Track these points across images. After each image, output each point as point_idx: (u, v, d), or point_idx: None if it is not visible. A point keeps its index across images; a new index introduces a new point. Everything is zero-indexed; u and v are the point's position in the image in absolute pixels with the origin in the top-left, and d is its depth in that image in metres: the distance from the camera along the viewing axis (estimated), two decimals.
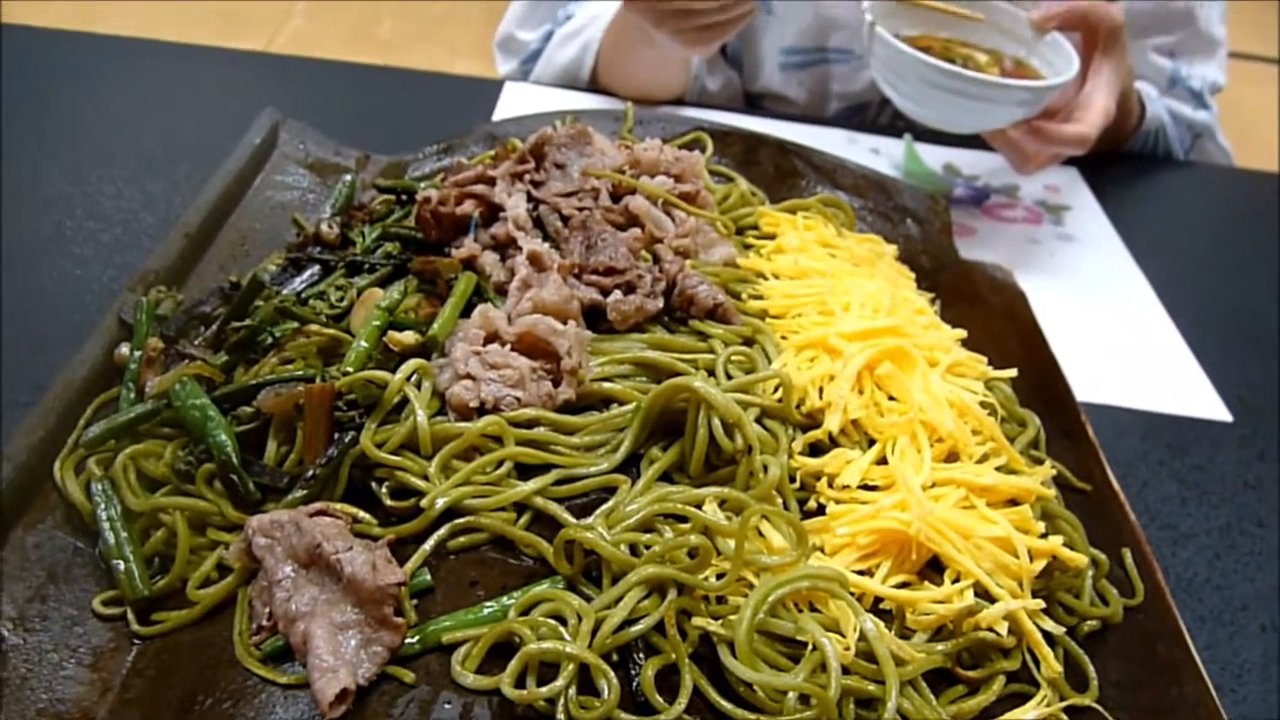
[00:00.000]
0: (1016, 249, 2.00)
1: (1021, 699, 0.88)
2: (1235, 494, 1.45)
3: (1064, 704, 0.88)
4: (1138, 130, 2.34)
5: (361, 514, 0.93)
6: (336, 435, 0.96)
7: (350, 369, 1.02)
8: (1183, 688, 0.97)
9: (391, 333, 1.05)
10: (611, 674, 0.76)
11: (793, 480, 0.99)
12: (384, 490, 0.94)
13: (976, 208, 2.13)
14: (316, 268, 1.23)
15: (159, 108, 1.83)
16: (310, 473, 0.94)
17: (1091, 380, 1.58)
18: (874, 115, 2.19)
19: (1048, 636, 0.92)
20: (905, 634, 0.88)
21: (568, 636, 0.79)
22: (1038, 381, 1.35)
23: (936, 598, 0.88)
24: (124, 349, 1.10)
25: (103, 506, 0.95)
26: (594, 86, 1.91)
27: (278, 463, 0.99)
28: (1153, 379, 1.66)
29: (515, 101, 1.88)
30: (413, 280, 1.18)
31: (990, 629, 0.88)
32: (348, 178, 1.48)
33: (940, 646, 0.86)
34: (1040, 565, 0.92)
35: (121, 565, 0.91)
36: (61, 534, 0.94)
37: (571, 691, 0.77)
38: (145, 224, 1.50)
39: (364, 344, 1.05)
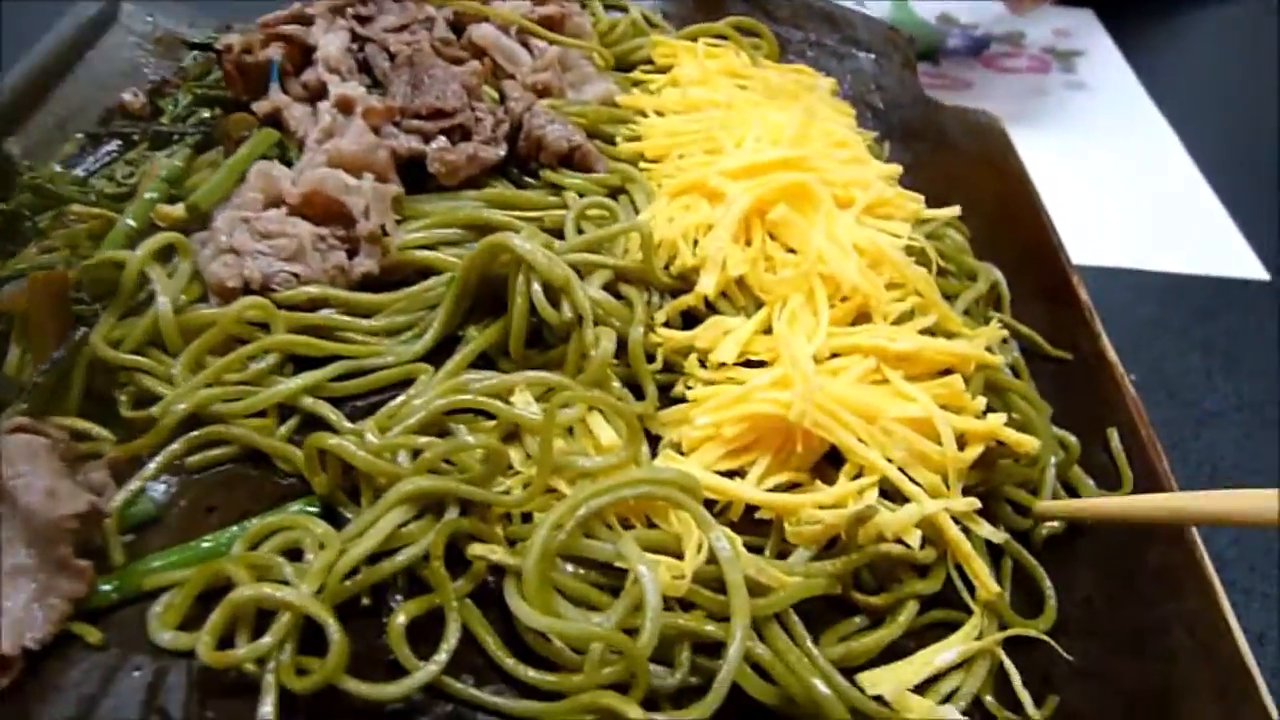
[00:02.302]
0: (1020, 101, 1.73)
1: (950, 629, 0.66)
2: (1272, 364, 1.21)
3: (1005, 635, 0.65)
4: None
5: (96, 430, 0.72)
6: (71, 334, 0.76)
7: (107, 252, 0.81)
8: (1182, 602, 0.74)
9: (158, 207, 0.84)
10: (334, 626, 0.55)
11: (652, 360, 0.76)
12: (124, 398, 0.74)
13: (974, 58, 1.85)
14: (117, 144, 1.02)
15: None
16: (33, 380, 0.74)
17: (1107, 241, 1.35)
18: None
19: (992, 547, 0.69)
20: (785, 552, 0.66)
21: (291, 578, 0.58)
22: (1018, 236, 1.11)
23: (822, 501, 0.65)
24: None
25: None
26: None
27: (20, 370, 0.79)
28: (1179, 238, 1.41)
29: None
30: (221, 150, 0.96)
31: (898, 540, 0.65)
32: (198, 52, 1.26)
33: (827, 566, 0.63)
34: (974, 453, 0.69)
35: None
36: None
37: (287, 651, 0.56)
38: None
39: (130, 222, 0.84)
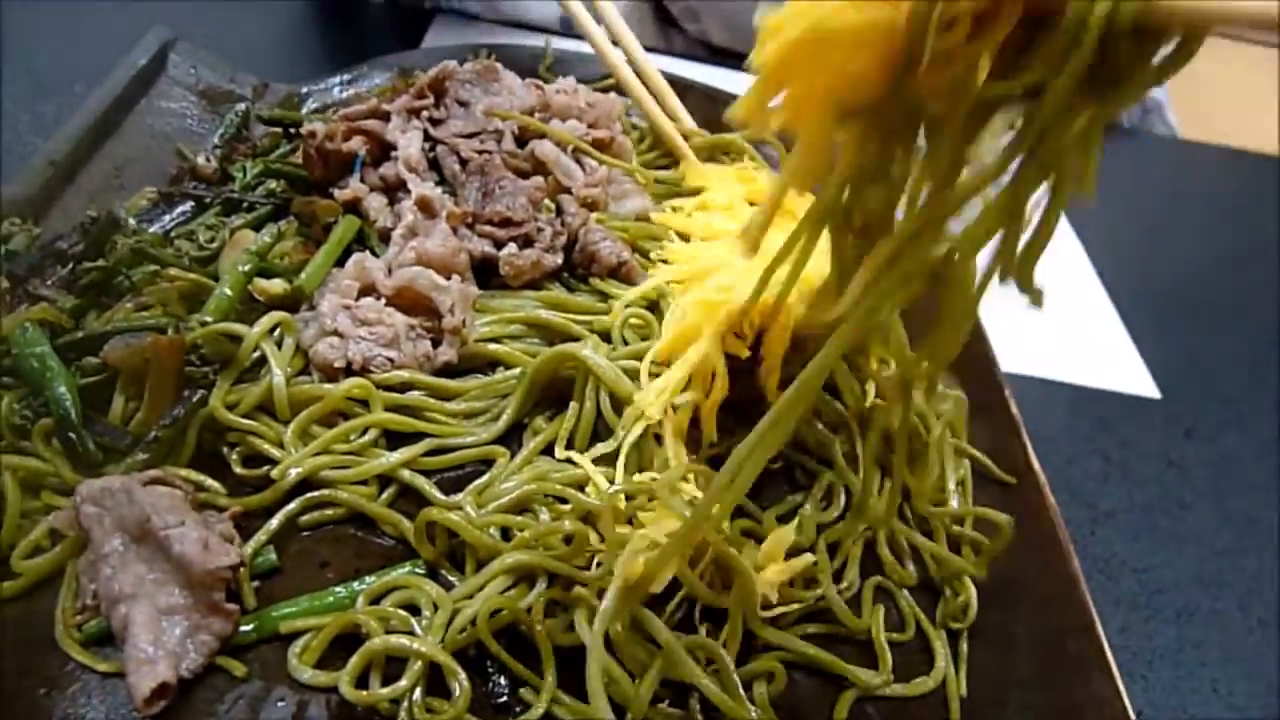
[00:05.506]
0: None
1: None
2: (1159, 473, 1.42)
3: None
4: None
5: (209, 482, 0.84)
6: (186, 393, 0.87)
7: (210, 319, 0.92)
8: (1090, 687, 0.92)
9: (258, 280, 0.95)
10: (462, 674, 0.69)
11: None
12: (235, 457, 0.85)
13: None
14: (189, 205, 1.13)
15: (53, 25, 1.68)
16: (152, 434, 0.85)
17: (1019, 350, 1.53)
18: None
19: None
20: None
21: (419, 630, 0.72)
22: (965, 351, 1.29)
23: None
24: None
25: None
26: None
27: (124, 421, 0.89)
28: (1082, 351, 1.62)
29: (444, 34, 1.74)
30: (293, 223, 1.07)
31: None
32: (241, 107, 1.35)
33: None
34: None
35: None
36: None
37: (418, 693, 0.69)
38: (37, 149, 1.36)
39: (227, 292, 0.95)
